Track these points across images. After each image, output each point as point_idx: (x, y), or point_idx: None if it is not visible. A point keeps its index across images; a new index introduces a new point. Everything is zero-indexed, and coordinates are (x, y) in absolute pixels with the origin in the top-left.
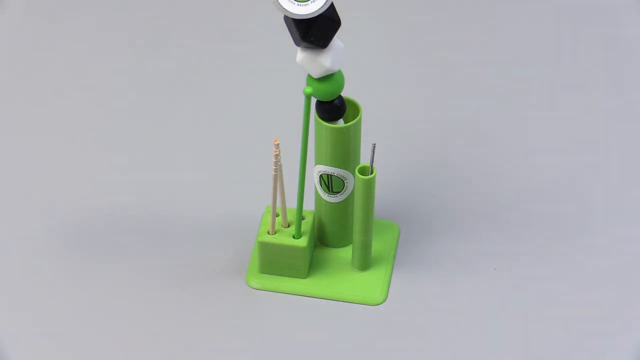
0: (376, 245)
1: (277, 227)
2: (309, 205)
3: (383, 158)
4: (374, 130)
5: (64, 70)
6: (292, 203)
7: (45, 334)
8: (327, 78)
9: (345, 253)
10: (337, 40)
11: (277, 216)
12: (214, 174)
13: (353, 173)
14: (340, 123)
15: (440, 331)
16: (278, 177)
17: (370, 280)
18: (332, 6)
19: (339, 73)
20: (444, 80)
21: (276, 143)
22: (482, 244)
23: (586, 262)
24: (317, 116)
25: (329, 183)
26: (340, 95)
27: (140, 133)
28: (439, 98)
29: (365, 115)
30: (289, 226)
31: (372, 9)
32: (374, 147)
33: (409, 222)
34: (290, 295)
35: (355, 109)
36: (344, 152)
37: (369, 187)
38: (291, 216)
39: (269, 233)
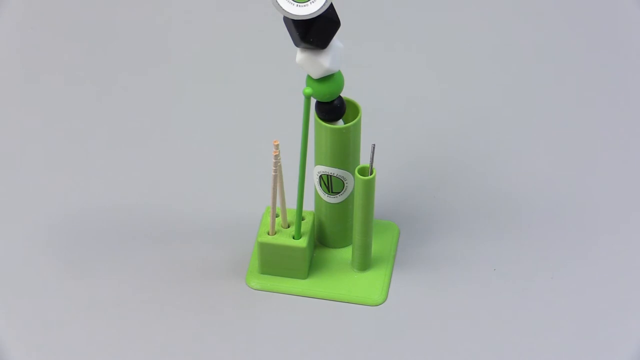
0: (376, 246)
1: (277, 227)
2: (309, 205)
3: (383, 158)
4: (373, 131)
5: (64, 69)
6: (292, 203)
7: (45, 334)
8: (326, 79)
9: (345, 253)
10: (336, 41)
11: (277, 217)
12: (214, 174)
13: (353, 174)
14: (340, 123)
15: (439, 331)
16: (278, 177)
17: (370, 281)
18: (331, 7)
19: (339, 74)
20: (444, 80)
21: (276, 144)
22: (482, 245)
23: (586, 263)
24: (316, 117)
25: (328, 184)
26: (339, 95)
27: (139, 133)
28: (439, 98)
29: (364, 115)
30: (288, 227)
31: (372, 9)
32: (374, 147)
33: (409, 222)
34: (290, 295)
35: (355, 110)
36: (344, 152)
37: (369, 187)
38: (291, 217)
39: (268, 234)
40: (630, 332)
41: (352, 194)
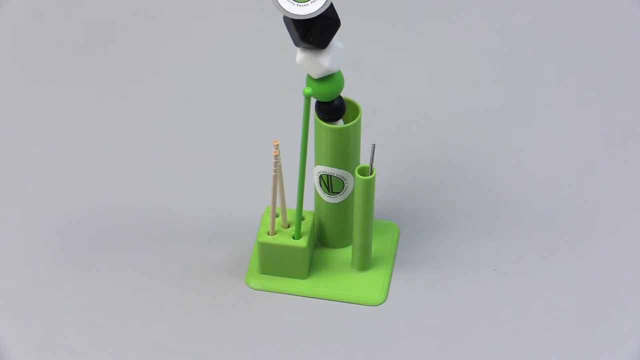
0: (376, 246)
1: (277, 227)
2: (309, 205)
3: (383, 158)
4: (373, 131)
5: (64, 69)
6: (292, 203)
7: (45, 334)
8: (326, 79)
9: (345, 253)
10: (336, 41)
11: (277, 217)
12: (214, 174)
13: (353, 173)
14: (340, 123)
15: (440, 331)
16: (278, 177)
17: (370, 281)
18: (331, 6)
19: (339, 73)
20: (444, 80)
21: (276, 144)
22: (482, 245)
23: (586, 263)
24: (316, 117)
25: (328, 184)
26: (339, 95)
27: (139, 133)
28: (438, 98)
29: (364, 115)
30: (288, 227)
31: (372, 9)
32: (374, 147)
33: (409, 222)
34: (290, 295)
35: (355, 110)
36: (344, 152)
37: (369, 187)
38: (291, 217)
39: (268, 234)
40: (630, 332)
41: (352, 194)
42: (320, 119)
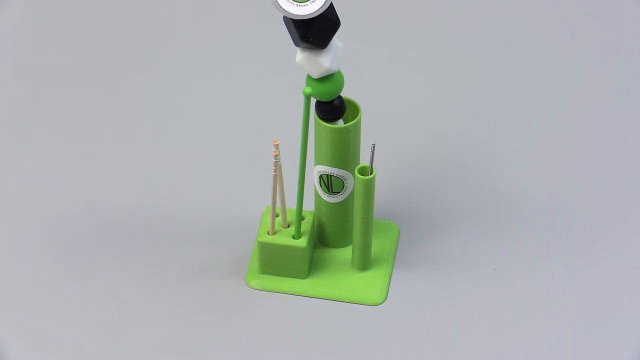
0: (376, 246)
1: (277, 227)
2: (309, 205)
3: (383, 158)
4: (373, 131)
5: (64, 69)
6: (292, 203)
7: (45, 334)
8: (326, 78)
9: (345, 253)
10: (336, 41)
11: (276, 216)
12: (214, 174)
13: (353, 173)
14: (340, 123)
15: (440, 331)
16: (278, 177)
17: (370, 281)
18: (331, 6)
19: (339, 73)
20: (444, 80)
21: (276, 144)
22: (482, 244)
23: (586, 263)
24: (316, 116)
25: (328, 183)
26: (339, 95)
27: (140, 133)
28: (438, 98)
29: (364, 115)
30: (288, 226)
31: (372, 9)
32: (374, 147)
33: (409, 222)
34: (290, 295)
35: (355, 109)
36: (344, 152)
37: (369, 187)
38: (291, 216)
39: (268, 233)
40: (630, 332)
41: (352, 193)
42: (320, 118)
